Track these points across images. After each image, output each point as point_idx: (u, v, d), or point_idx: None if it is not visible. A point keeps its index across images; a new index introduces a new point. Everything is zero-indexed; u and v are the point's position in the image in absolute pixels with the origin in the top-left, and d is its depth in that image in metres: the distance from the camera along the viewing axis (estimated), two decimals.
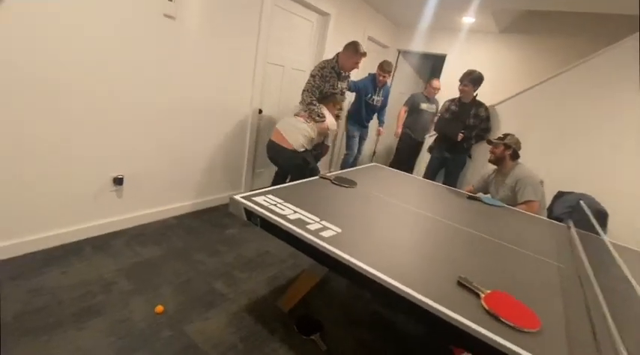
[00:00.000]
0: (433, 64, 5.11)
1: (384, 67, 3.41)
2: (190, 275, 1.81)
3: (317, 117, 2.43)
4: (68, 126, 1.72)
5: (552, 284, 1.11)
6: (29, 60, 1.50)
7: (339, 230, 1.19)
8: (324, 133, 2.54)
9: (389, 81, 3.71)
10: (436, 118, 3.46)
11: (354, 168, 2.27)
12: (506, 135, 2.31)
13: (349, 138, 3.73)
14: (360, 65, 2.61)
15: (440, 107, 3.64)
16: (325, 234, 1.15)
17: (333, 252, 1.04)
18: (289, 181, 2.65)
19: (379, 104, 3.62)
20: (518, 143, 2.27)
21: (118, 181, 2.01)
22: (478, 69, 4.01)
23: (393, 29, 4.47)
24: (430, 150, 3.32)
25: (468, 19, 3.66)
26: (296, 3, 2.86)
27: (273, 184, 2.73)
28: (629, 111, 2.38)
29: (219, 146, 2.61)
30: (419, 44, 4.52)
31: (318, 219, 1.25)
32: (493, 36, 3.95)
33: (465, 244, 1.32)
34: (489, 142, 2.34)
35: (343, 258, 1.01)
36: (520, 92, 2.96)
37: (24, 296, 1.46)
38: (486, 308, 0.88)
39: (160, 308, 1.51)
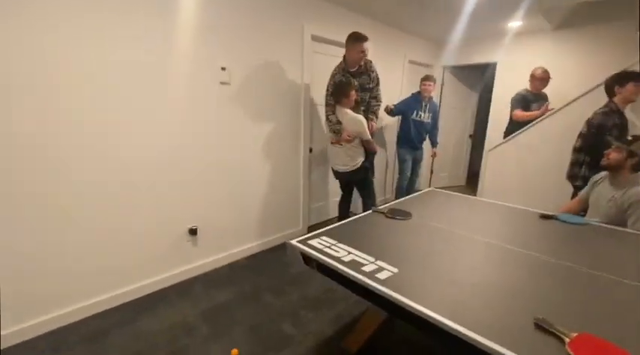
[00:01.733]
0: (483, 74, 4.87)
1: (428, 78, 3.41)
2: (260, 317, 1.90)
3: (335, 131, 2.57)
4: (151, 187, 2.02)
5: None
6: (130, 143, 1.84)
7: (396, 270, 1.17)
8: (355, 136, 2.51)
9: (434, 94, 3.65)
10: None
11: (409, 196, 2.22)
12: (636, 138, 1.86)
13: (401, 162, 3.68)
14: (368, 51, 2.52)
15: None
16: (381, 275, 1.14)
17: (390, 295, 1.02)
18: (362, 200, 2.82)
19: (428, 120, 3.52)
20: None
21: (193, 232, 2.26)
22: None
23: (434, 47, 4.43)
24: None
25: (515, 24, 3.47)
26: (331, 45, 3.03)
27: (340, 208, 2.96)
28: None
29: (278, 188, 2.79)
30: (463, 57, 4.38)
31: (373, 259, 1.25)
32: (546, 35, 3.66)
33: (542, 275, 1.19)
34: (607, 141, 1.94)
35: (400, 302, 0.99)
36: (599, 84, 2.64)
37: (129, 341, 1.69)
38: None
39: (235, 352, 1.60)
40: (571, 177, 2.51)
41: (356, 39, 2.45)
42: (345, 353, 1.64)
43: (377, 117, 2.79)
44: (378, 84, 2.71)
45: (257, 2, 2.31)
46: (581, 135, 2.45)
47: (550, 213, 1.82)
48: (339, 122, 2.55)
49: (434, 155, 3.80)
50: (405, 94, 3.87)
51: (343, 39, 3.00)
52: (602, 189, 1.95)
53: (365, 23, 3.23)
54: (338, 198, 3.02)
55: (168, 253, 2.18)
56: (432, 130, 3.64)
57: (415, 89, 3.56)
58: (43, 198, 1.64)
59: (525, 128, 3.11)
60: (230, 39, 2.22)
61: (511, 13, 3.11)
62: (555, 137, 2.94)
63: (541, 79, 3.24)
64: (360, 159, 2.58)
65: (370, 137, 2.54)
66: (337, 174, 2.76)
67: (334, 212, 3.42)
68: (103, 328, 1.78)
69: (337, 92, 2.50)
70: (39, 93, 1.56)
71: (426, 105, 3.49)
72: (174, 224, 2.18)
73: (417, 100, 3.49)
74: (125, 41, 1.77)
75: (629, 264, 1.30)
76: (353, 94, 2.47)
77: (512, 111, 3.37)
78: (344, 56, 2.59)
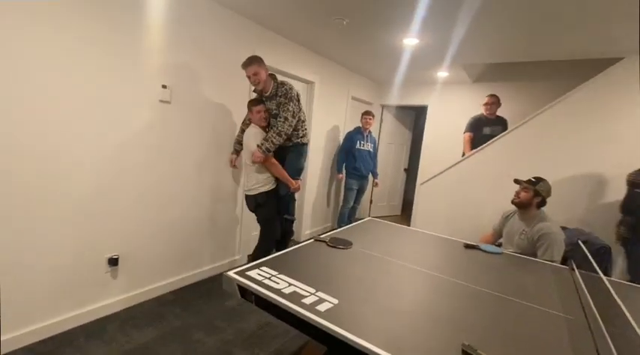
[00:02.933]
0: (417, 115, 5.40)
1: (367, 112, 3.81)
2: None
3: (235, 148, 2.65)
4: (64, 208, 1.76)
5: (561, 342, 1.06)
6: (33, 150, 1.60)
7: (336, 301, 1.17)
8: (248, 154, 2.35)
9: (373, 128, 3.98)
10: None
11: (350, 225, 2.27)
12: (538, 180, 2.10)
13: (347, 190, 3.89)
14: (257, 75, 2.27)
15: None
16: (321, 307, 1.12)
17: (330, 329, 1.00)
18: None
19: (370, 150, 3.87)
20: (549, 191, 2.10)
21: (113, 261, 2.00)
22: (459, 115, 4.27)
23: (375, 87, 4.81)
24: None
25: (442, 74, 3.97)
26: (281, 76, 3.11)
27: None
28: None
29: (212, 216, 2.64)
30: (400, 98, 4.83)
31: (314, 291, 1.23)
32: (467, 86, 4.25)
33: (466, 301, 1.29)
34: (517, 182, 2.16)
35: (340, 335, 0.98)
36: (510, 130, 3.10)
37: None
38: None
39: None
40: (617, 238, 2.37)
41: (242, 65, 2.30)
42: None
43: (267, 149, 2.28)
44: (282, 112, 2.32)
45: (205, 22, 2.30)
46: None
47: (473, 243, 2.02)
48: (239, 141, 2.58)
49: (376, 185, 4.12)
50: (349, 126, 4.11)
51: (292, 70, 3.12)
52: (513, 223, 2.25)
53: (313, 58, 3.40)
54: None
55: (81, 286, 1.88)
56: (373, 160, 3.94)
57: (356, 122, 3.87)
58: None
59: (451, 165, 3.47)
60: (171, 55, 2.14)
61: (439, 65, 3.56)
62: (474, 175, 3.34)
63: (490, 103, 3.46)
64: (256, 184, 2.38)
65: (257, 148, 2.26)
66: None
67: None
68: None
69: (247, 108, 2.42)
70: None
71: (367, 137, 3.85)
72: (90, 252, 1.90)
73: (359, 132, 3.85)
74: (52, 57, 1.60)
75: (541, 290, 1.48)
76: (256, 111, 2.34)
77: (464, 133, 3.63)
78: None
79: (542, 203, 2.12)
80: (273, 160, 2.38)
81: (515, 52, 2.90)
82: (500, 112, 3.55)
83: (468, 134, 3.58)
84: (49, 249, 1.73)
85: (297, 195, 2.73)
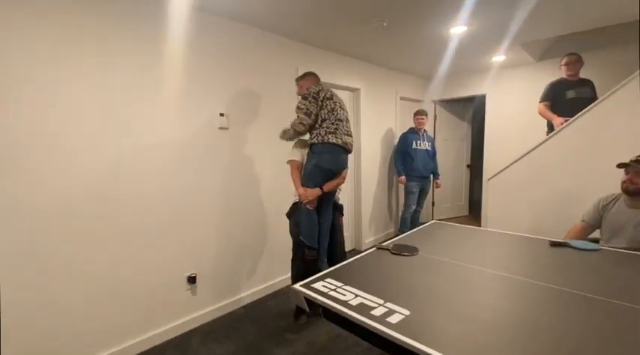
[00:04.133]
0: (474, 106, 5.03)
1: (419, 112, 3.65)
2: None
3: None
4: (148, 232, 1.96)
5: None
6: (117, 177, 1.83)
7: (407, 312, 1.10)
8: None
9: (427, 127, 3.82)
10: None
11: (413, 230, 2.16)
12: None
13: (408, 194, 3.73)
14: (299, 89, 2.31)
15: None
16: (392, 319, 1.06)
17: (404, 342, 0.94)
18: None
19: (429, 148, 3.70)
20: None
21: (192, 280, 2.16)
22: (522, 100, 3.87)
23: (423, 83, 4.61)
24: None
25: (498, 58, 3.65)
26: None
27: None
28: None
29: (277, 230, 2.73)
30: (452, 91, 4.55)
31: (382, 302, 1.17)
32: (531, 66, 3.84)
33: (559, 309, 1.11)
34: (622, 165, 1.82)
35: (417, 349, 0.91)
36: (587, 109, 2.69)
37: None
38: None
39: None
40: None
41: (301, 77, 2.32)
42: None
43: (285, 132, 2.22)
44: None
45: (250, 49, 2.43)
46: None
47: (561, 240, 1.77)
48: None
49: (437, 185, 3.88)
50: (400, 129, 3.98)
51: (336, 81, 3.14)
52: (619, 213, 1.88)
53: (355, 64, 3.39)
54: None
55: (166, 304, 2.07)
56: (433, 160, 3.74)
57: (408, 123, 3.71)
58: (23, 248, 1.58)
59: (525, 154, 3.12)
60: (228, 85, 2.30)
61: (493, 49, 3.28)
62: (550, 162, 2.95)
63: (571, 63, 2.94)
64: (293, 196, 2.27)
65: (288, 157, 2.22)
66: None
67: None
68: None
69: None
70: (39, 149, 1.58)
71: (422, 135, 3.69)
72: (171, 272, 2.09)
73: (413, 132, 3.71)
74: (126, 91, 1.83)
75: None
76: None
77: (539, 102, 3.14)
78: None
79: None
80: (291, 166, 2.21)
81: (593, 16, 2.52)
82: None
83: (542, 104, 3.05)
84: (139, 270, 1.94)
85: (345, 205, 2.49)
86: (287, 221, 2.74)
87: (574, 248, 1.68)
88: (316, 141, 2.09)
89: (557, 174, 2.92)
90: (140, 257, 1.94)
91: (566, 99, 2.97)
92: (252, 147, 2.50)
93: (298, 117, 2.13)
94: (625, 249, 1.70)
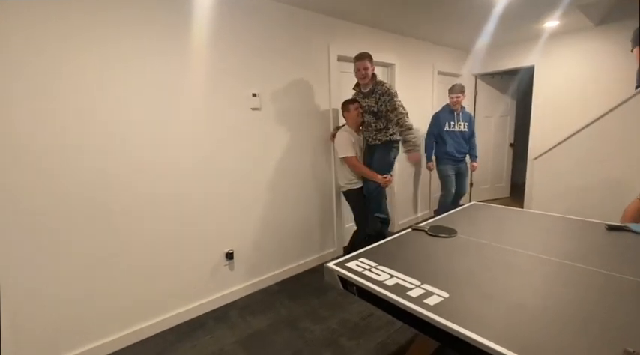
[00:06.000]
0: (521, 79, 4.64)
1: (454, 89, 3.27)
2: (299, 345, 1.81)
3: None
4: (186, 208, 2.06)
5: None
6: (152, 155, 1.92)
7: (446, 294, 1.06)
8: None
9: (465, 104, 3.47)
10: None
11: (450, 212, 2.07)
12: None
13: (443, 178, 3.41)
14: (367, 70, 2.40)
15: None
16: (430, 300, 1.03)
17: (443, 324, 0.91)
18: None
19: (465, 130, 3.36)
20: None
21: (230, 256, 2.25)
22: (576, 71, 3.50)
23: (462, 56, 4.30)
24: None
25: (551, 24, 3.29)
26: None
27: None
28: None
29: (311, 210, 2.76)
30: (495, 63, 4.21)
31: (419, 283, 1.14)
32: (589, 32, 3.42)
33: (619, 296, 1.01)
34: None
35: (456, 331, 0.88)
36: None
37: None
38: None
39: None
40: None
41: (355, 58, 2.46)
42: None
43: (415, 145, 2.44)
44: (391, 109, 2.41)
45: (280, 26, 2.38)
46: None
47: (619, 224, 1.61)
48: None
49: (474, 169, 3.56)
50: (437, 104, 3.76)
51: None
52: None
53: (389, 38, 3.22)
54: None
55: (207, 278, 2.19)
56: (469, 140, 3.44)
57: (446, 99, 3.44)
58: (72, 227, 1.70)
59: (577, 130, 2.85)
60: (259, 65, 2.28)
61: (546, 14, 2.95)
62: (609, 139, 2.66)
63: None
64: (346, 182, 2.60)
65: (344, 154, 2.49)
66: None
67: None
68: None
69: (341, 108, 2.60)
70: (76, 126, 1.68)
71: (458, 115, 3.35)
72: (211, 248, 2.19)
73: (447, 111, 3.38)
74: (160, 76, 1.88)
75: None
76: (354, 108, 2.50)
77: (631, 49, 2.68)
78: None
79: None
80: (355, 162, 2.50)
81: None
82: None
83: (638, 48, 2.55)
84: (179, 246, 2.06)
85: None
86: (318, 200, 2.76)
87: (635, 232, 1.52)
88: (395, 138, 2.52)
89: (616, 156, 2.63)
90: (180, 235, 2.05)
91: None
92: (285, 127, 2.49)
93: (402, 113, 2.42)
94: None
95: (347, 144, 2.48)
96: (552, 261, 1.29)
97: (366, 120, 2.57)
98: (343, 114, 2.59)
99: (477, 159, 3.51)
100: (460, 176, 3.42)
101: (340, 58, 2.80)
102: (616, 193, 2.58)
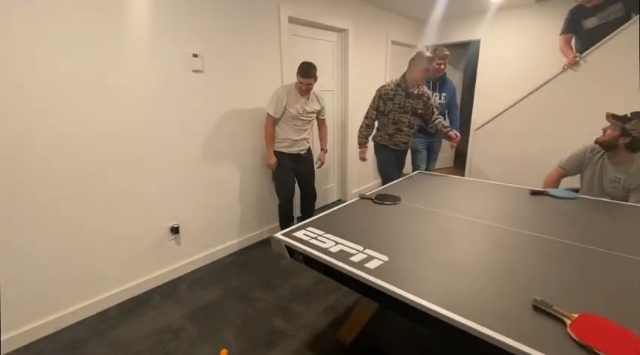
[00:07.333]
0: (469, 53, 4.80)
1: (437, 53, 2.82)
2: (250, 314, 1.83)
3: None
4: (124, 181, 1.90)
5: None
6: (70, 122, 1.71)
7: (386, 258, 1.11)
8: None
9: (445, 71, 3.03)
10: None
11: (396, 181, 2.15)
12: (634, 116, 1.69)
13: (414, 153, 3.11)
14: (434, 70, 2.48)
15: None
16: (370, 264, 1.07)
17: (380, 286, 0.95)
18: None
19: (442, 101, 3.02)
20: None
21: (175, 230, 2.15)
22: (518, 46, 3.66)
23: (417, 26, 4.32)
24: None
25: None
26: (312, 28, 2.90)
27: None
28: None
29: (262, 179, 2.68)
30: (445, 35, 4.29)
31: (361, 248, 1.18)
32: (529, 8, 3.59)
33: (538, 254, 1.14)
34: (607, 116, 1.77)
35: (391, 292, 0.93)
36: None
37: (107, 350, 1.60)
38: (575, 338, 0.72)
39: (224, 353, 1.53)
40: None
41: (427, 57, 2.28)
42: (340, 344, 1.59)
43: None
44: (432, 109, 2.49)
45: None
46: None
47: (540, 189, 1.79)
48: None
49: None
50: (390, 75, 3.78)
51: (323, 20, 2.88)
52: (602, 167, 1.85)
53: (344, 1, 3.09)
54: (326, 186, 2.88)
55: (152, 253, 2.08)
56: (450, 110, 3.17)
57: (398, 70, 3.40)
58: (10, 197, 1.51)
59: (513, 104, 3.06)
60: (199, 24, 2.07)
61: None
62: (537, 115, 2.90)
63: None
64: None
65: (267, 109, 2.32)
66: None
67: (323, 200, 3.36)
68: (80, 338, 1.68)
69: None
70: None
71: (438, 86, 3.03)
72: (154, 222, 2.07)
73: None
74: (86, 36, 1.62)
75: (627, 237, 1.26)
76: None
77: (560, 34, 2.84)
78: (404, 74, 2.40)
79: (636, 145, 1.68)
80: (266, 123, 2.36)
81: None
82: None
83: (562, 37, 2.75)
84: (124, 221, 1.92)
85: (331, 154, 2.90)
86: (268, 171, 2.68)
87: (554, 196, 1.71)
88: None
89: (542, 130, 2.89)
90: (120, 209, 1.89)
91: (585, 31, 2.60)
92: (231, 92, 2.33)
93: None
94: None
95: (272, 99, 2.30)
96: (483, 223, 1.40)
97: (410, 122, 2.47)
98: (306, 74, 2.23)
99: (458, 128, 2.95)
100: (431, 152, 3.16)
101: (292, 20, 2.64)
102: (541, 162, 2.86)
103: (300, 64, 2.24)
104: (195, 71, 2.09)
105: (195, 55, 2.06)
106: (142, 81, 1.87)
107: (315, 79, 2.28)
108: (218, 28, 2.17)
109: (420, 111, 2.47)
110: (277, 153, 2.42)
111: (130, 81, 1.82)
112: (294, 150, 2.44)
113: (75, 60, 1.61)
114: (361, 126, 2.58)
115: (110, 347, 1.61)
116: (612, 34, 2.37)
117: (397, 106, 2.41)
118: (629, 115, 1.72)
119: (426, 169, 3.09)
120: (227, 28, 2.22)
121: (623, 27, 2.32)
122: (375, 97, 2.48)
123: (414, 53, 2.34)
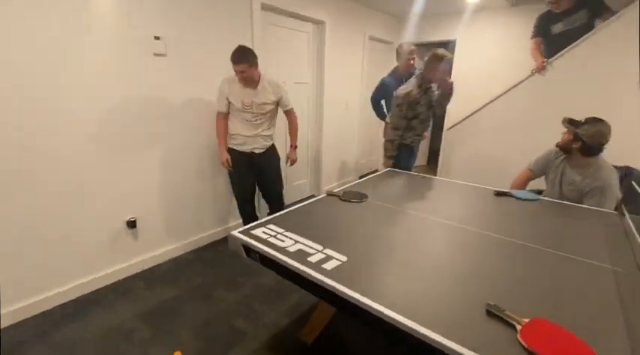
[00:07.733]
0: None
1: (405, 49, 2.88)
2: (210, 314, 1.75)
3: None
4: (78, 172, 1.75)
5: (608, 298, 0.91)
6: (20, 108, 1.55)
7: (344, 258, 1.07)
8: None
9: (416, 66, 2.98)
10: None
11: (366, 178, 2.12)
12: (589, 121, 1.72)
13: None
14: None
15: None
16: (328, 265, 1.03)
17: (332, 287, 0.91)
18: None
19: None
20: (594, 137, 1.68)
21: (132, 224, 2.02)
22: (492, 48, 3.71)
23: (395, 23, 4.30)
24: None
25: (473, 0, 3.41)
26: (288, 17, 2.80)
27: None
28: None
29: (227, 174, 2.57)
30: (423, 34, 4.31)
31: (321, 248, 1.13)
32: (504, 11, 3.66)
33: (495, 255, 1.14)
34: (564, 122, 1.83)
35: (342, 293, 0.89)
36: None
37: (47, 353, 1.47)
38: (524, 345, 0.71)
39: None
40: None
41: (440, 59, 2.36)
42: (302, 344, 1.55)
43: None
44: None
45: None
46: None
47: (504, 190, 1.81)
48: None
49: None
50: (367, 71, 3.74)
51: (298, 10, 2.79)
52: (563, 170, 1.89)
53: None
54: (296, 182, 2.80)
55: (105, 249, 1.94)
56: None
57: (375, 67, 3.39)
58: None
59: (482, 106, 3.12)
60: (163, 4, 1.93)
61: None
62: (509, 116, 2.97)
63: None
64: None
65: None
66: None
67: (295, 196, 3.30)
68: (19, 340, 1.54)
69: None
70: None
71: (406, 81, 2.81)
72: (109, 216, 1.93)
73: (394, 78, 2.95)
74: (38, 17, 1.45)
75: (578, 239, 1.29)
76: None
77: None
78: (421, 75, 2.43)
79: (587, 150, 1.73)
80: (216, 120, 2.16)
81: None
82: None
83: (532, 41, 2.92)
84: (75, 213, 1.77)
85: (305, 150, 2.79)
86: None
87: (516, 197, 1.74)
88: None
89: (516, 130, 2.95)
90: (72, 199, 1.75)
91: (553, 35, 2.73)
92: (195, 80, 2.19)
93: None
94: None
95: (219, 95, 2.08)
96: (447, 224, 1.39)
97: (427, 115, 2.51)
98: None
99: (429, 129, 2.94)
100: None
101: (265, 7, 2.53)
102: (510, 162, 2.93)
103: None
104: (156, 54, 1.95)
105: (157, 38, 1.93)
106: (95, 65, 1.72)
107: (251, 64, 1.94)
108: (182, 11, 2.03)
109: (433, 103, 2.53)
110: (230, 151, 2.19)
111: (81, 63, 1.67)
112: (246, 148, 2.17)
113: (20, 42, 1.45)
114: (393, 140, 2.49)
115: (51, 351, 1.49)
116: (577, 41, 2.45)
117: (423, 106, 2.47)
118: (582, 121, 1.77)
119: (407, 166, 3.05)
120: (194, 11, 2.08)
121: (586, 36, 2.40)
122: (399, 105, 2.39)
123: (430, 53, 2.39)
